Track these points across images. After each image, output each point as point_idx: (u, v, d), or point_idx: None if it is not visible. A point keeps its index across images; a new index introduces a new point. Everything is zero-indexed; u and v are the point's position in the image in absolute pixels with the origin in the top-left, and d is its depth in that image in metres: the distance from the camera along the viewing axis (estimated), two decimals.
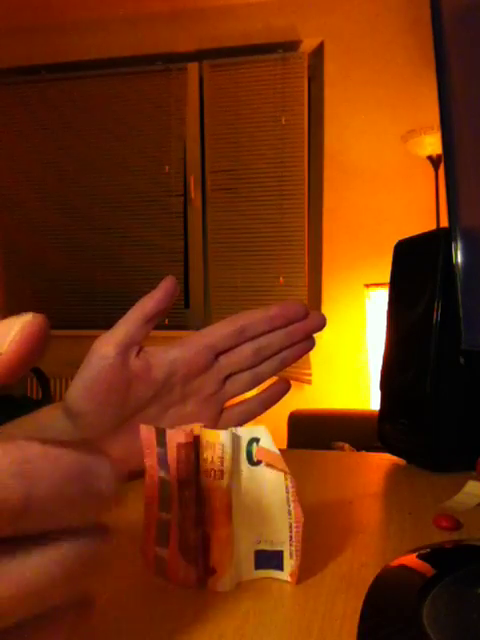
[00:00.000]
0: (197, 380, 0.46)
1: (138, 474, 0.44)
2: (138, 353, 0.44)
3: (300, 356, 0.49)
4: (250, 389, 0.48)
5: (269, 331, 0.47)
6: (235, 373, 0.47)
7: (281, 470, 0.30)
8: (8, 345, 0.16)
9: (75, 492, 0.16)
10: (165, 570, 0.32)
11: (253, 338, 0.47)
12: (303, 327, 0.47)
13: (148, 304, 0.44)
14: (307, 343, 0.48)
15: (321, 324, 0.48)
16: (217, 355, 0.46)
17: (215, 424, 0.47)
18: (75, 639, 0.18)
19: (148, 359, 0.44)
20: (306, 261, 2.77)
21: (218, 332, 0.46)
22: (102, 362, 0.42)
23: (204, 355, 0.45)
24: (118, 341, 0.42)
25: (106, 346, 0.42)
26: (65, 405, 0.42)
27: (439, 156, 2.39)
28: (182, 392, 0.45)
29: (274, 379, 0.50)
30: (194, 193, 2.94)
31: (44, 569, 0.15)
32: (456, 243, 0.41)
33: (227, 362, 0.47)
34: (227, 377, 0.47)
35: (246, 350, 0.47)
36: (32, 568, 0.15)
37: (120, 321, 0.44)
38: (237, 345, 0.47)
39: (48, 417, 0.43)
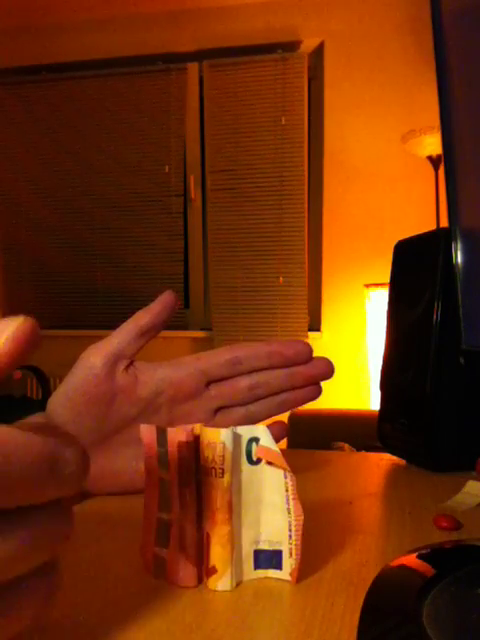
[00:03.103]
0: (185, 405, 0.43)
1: (109, 492, 0.43)
2: (128, 367, 0.42)
3: (301, 403, 0.45)
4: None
5: (267, 368, 0.44)
6: (228, 407, 0.45)
7: (282, 468, 0.30)
8: (3, 342, 0.17)
9: (42, 472, 0.18)
10: (164, 570, 0.32)
11: (250, 372, 0.44)
12: (305, 371, 0.44)
13: (144, 317, 0.42)
14: (312, 390, 0.44)
15: (325, 372, 0.44)
16: (209, 383, 0.44)
17: None
18: (73, 639, 0.18)
19: (136, 374, 0.42)
20: (306, 261, 2.77)
21: (213, 358, 0.43)
22: (87, 371, 0.40)
23: (195, 378, 0.43)
24: (107, 352, 0.41)
25: (94, 356, 0.41)
26: (46, 412, 0.41)
27: (439, 156, 2.39)
28: (168, 416, 0.43)
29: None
30: (194, 193, 2.94)
31: (11, 540, 0.17)
32: (456, 243, 0.41)
33: (219, 392, 0.44)
34: (219, 409, 0.45)
35: (241, 384, 0.44)
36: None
37: (114, 332, 0.42)
38: (232, 376, 0.44)
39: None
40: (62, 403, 0.41)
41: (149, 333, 0.43)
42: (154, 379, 0.42)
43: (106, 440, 0.42)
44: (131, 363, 0.42)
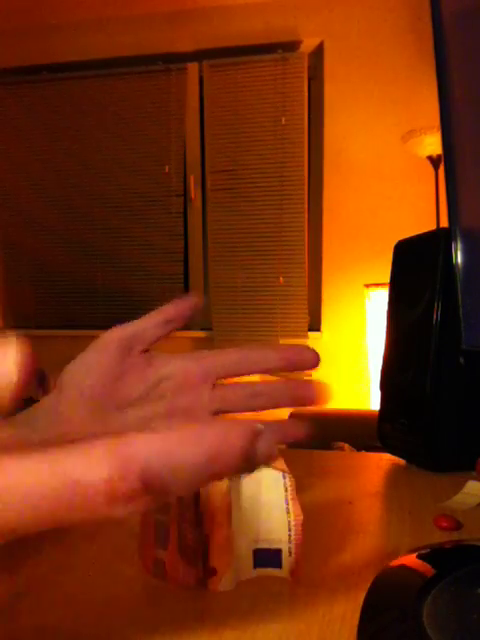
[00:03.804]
0: (187, 398, 0.44)
1: None
2: (142, 352, 0.43)
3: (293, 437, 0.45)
4: None
5: (275, 370, 0.45)
6: (228, 412, 0.45)
7: (280, 469, 0.30)
8: (16, 372, 0.19)
9: None
10: (164, 572, 0.32)
11: (256, 372, 0.45)
12: (306, 394, 0.44)
13: (170, 308, 0.44)
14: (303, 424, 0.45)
15: (323, 398, 0.44)
16: (214, 384, 0.45)
17: None
18: (73, 639, 0.18)
19: (150, 359, 0.43)
20: (306, 261, 2.77)
21: (223, 356, 0.45)
22: (103, 345, 0.42)
23: (203, 371, 0.44)
24: (125, 331, 0.43)
25: (111, 334, 0.43)
26: (58, 381, 0.43)
27: (439, 156, 2.39)
28: (170, 406, 0.44)
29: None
30: (194, 193, 2.94)
31: None
32: (456, 243, 0.41)
33: (221, 394, 0.45)
34: (217, 414, 0.45)
35: (243, 392, 0.45)
36: None
37: (137, 319, 0.44)
38: (239, 375, 0.45)
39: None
40: (72, 371, 0.42)
41: (171, 324, 0.44)
42: (166, 367, 0.44)
43: (105, 418, 0.43)
44: (147, 350, 0.44)
